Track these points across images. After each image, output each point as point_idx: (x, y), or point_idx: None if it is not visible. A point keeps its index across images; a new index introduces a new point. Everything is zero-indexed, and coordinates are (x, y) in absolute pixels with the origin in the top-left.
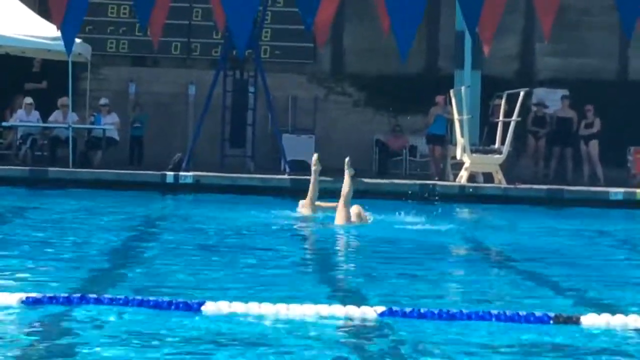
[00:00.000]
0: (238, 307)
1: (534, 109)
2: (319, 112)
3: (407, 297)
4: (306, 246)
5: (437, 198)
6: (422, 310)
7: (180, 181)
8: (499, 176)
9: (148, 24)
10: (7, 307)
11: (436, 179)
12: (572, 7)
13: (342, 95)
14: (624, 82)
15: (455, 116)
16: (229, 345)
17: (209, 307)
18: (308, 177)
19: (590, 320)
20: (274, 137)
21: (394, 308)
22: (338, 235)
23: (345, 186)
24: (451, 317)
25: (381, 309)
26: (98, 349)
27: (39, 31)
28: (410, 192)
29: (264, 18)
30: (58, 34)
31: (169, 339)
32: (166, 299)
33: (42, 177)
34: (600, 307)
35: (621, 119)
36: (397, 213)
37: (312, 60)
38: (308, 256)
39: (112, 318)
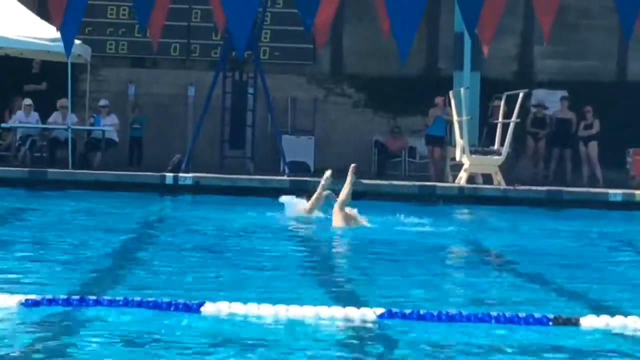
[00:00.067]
0: (237, 307)
1: (534, 110)
2: (319, 113)
3: (406, 298)
4: (305, 248)
5: (436, 199)
6: (421, 312)
7: (180, 182)
8: (498, 177)
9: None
10: (6, 309)
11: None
12: (571, 8)
13: (341, 97)
14: (623, 84)
15: (455, 117)
16: (228, 346)
17: (209, 308)
18: (307, 179)
19: (590, 321)
20: (274, 138)
21: (394, 310)
22: (337, 237)
23: (345, 190)
24: (450, 318)
25: (380, 310)
26: (98, 350)
27: (38, 32)
28: (409, 193)
29: (263, 19)
30: (57, 35)
31: (169, 340)
32: (166, 299)
33: (42, 178)
34: (599, 309)
35: (620, 120)
36: (396, 214)
37: (311, 62)
38: (307, 258)
39: (111, 319)
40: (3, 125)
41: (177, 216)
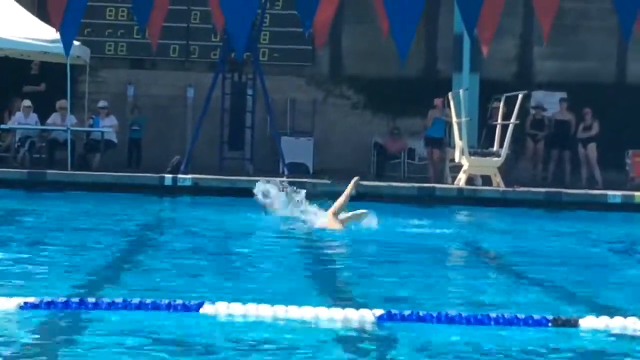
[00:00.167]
0: (236, 308)
1: (533, 111)
2: (318, 115)
3: (405, 300)
4: (305, 249)
5: (435, 201)
6: (420, 314)
7: (179, 184)
8: (497, 179)
9: (146, 25)
10: (5, 312)
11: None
12: (570, 10)
13: (340, 98)
14: (622, 85)
15: (454, 119)
16: (228, 347)
17: (207, 309)
18: (307, 180)
19: (589, 322)
20: (273, 139)
21: (393, 311)
22: (336, 239)
23: (340, 199)
24: (450, 320)
25: (380, 312)
26: (97, 353)
27: (37, 34)
28: (408, 194)
29: (262, 21)
30: (56, 36)
31: (168, 341)
32: (165, 300)
33: (41, 179)
34: (598, 310)
35: (619, 121)
36: (395, 216)
37: (310, 63)
38: (306, 259)
39: (110, 322)
40: (2, 126)
41: (176, 217)
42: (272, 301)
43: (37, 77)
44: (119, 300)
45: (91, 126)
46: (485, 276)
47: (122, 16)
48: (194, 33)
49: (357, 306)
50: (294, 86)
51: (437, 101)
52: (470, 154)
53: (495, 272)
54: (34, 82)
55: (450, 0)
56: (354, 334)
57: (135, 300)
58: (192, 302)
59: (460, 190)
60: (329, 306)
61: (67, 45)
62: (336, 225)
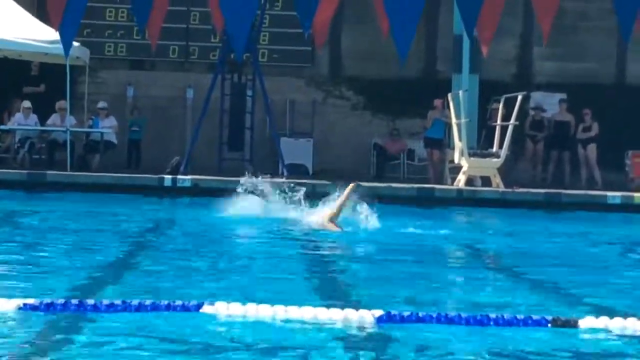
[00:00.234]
0: (236, 309)
1: (532, 112)
2: (317, 116)
3: (405, 301)
4: (304, 250)
5: (434, 202)
6: (420, 314)
7: (178, 185)
8: (496, 180)
9: (146, 26)
10: (4, 314)
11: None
12: (570, 11)
13: (340, 99)
14: (622, 86)
15: (453, 120)
16: (227, 347)
17: (207, 309)
18: (306, 181)
19: (588, 323)
20: (272, 140)
21: (392, 312)
22: (336, 240)
23: (336, 205)
24: (449, 321)
25: (379, 312)
26: (96, 354)
27: (37, 35)
28: (408, 195)
29: (262, 21)
30: (56, 37)
31: (168, 342)
32: (164, 301)
33: (40, 180)
34: (598, 310)
35: (619, 122)
36: (395, 217)
37: (310, 64)
38: (306, 259)
39: (110, 323)
40: (2, 127)
41: (176, 218)
42: (271, 301)
43: (36, 78)
44: (118, 302)
45: (91, 127)
46: (484, 277)
47: (122, 17)
48: (194, 34)
49: (357, 307)
50: (293, 87)
51: (437, 102)
52: (470, 155)
53: (495, 273)
54: (34, 83)
55: (450, 0)
56: (353, 334)
57: (135, 302)
58: (192, 303)
59: (459, 191)
60: (329, 307)
61: (67, 45)
62: (334, 228)
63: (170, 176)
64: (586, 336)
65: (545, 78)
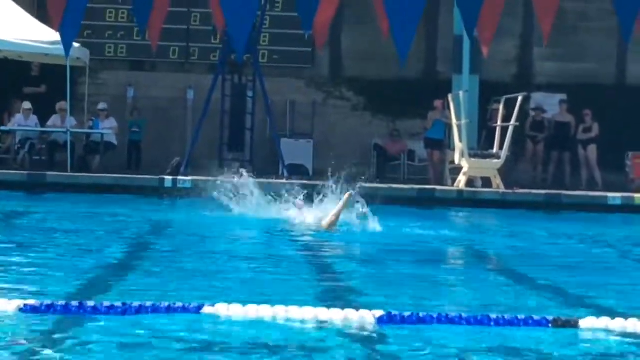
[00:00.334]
0: (236, 310)
1: (532, 113)
2: (317, 117)
3: (405, 301)
4: (304, 250)
5: (435, 203)
6: (420, 315)
7: (179, 185)
8: (497, 181)
9: (146, 27)
10: (4, 315)
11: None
12: (570, 11)
13: (340, 100)
14: (622, 87)
15: (454, 121)
16: (228, 348)
17: (207, 311)
18: (306, 181)
19: (589, 323)
20: (273, 141)
21: (393, 312)
22: (336, 240)
23: (334, 212)
24: (450, 321)
25: (380, 313)
26: (96, 356)
27: (37, 36)
28: (408, 196)
29: (262, 22)
30: (56, 38)
31: (168, 343)
32: (165, 302)
33: (41, 181)
34: (598, 311)
35: (619, 123)
36: (395, 218)
37: (310, 65)
38: (306, 260)
39: (110, 324)
40: (2, 128)
41: (176, 219)
42: (272, 302)
43: (37, 78)
44: (119, 304)
45: (91, 128)
46: (485, 277)
47: (122, 18)
48: (194, 35)
49: (357, 307)
50: (293, 88)
51: (437, 103)
52: (470, 155)
53: (495, 274)
54: (34, 84)
55: (450, 1)
56: (353, 335)
57: (136, 303)
58: (192, 305)
59: (460, 192)
60: (329, 307)
61: (67, 46)
62: (332, 230)
63: (170, 177)
64: (587, 336)
65: (546, 79)
